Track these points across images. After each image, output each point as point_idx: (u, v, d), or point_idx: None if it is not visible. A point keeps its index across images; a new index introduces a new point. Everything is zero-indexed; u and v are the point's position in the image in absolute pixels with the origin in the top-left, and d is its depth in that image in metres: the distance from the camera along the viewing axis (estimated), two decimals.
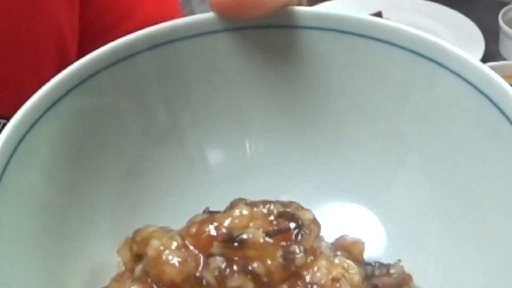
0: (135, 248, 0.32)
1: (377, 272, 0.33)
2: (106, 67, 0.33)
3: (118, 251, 0.33)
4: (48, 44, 0.43)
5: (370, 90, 0.34)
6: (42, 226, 0.32)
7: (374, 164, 0.36)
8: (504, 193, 0.31)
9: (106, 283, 0.33)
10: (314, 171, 0.36)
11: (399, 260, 0.33)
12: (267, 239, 0.31)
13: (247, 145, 0.37)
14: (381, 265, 0.33)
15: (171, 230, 0.32)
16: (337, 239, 0.33)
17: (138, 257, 0.33)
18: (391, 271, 0.33)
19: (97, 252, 0.34)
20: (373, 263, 0.34)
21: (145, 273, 0.32)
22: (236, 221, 0.31)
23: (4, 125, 0.45)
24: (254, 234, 0.30)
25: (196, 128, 0.36)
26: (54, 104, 0.32)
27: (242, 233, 0.30)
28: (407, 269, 0.34)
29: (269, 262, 0.30)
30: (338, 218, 0.36)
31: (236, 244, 0.30)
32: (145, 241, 0.32)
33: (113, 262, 0.34)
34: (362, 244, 0.33)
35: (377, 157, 0.35)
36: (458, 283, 0.33)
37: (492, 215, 0.32)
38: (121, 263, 0.34)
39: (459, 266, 0.33)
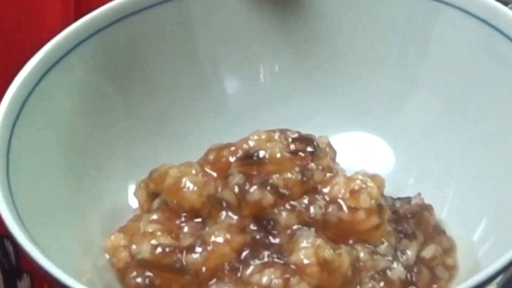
0: (151, 186, 0.33)
1: (398, 204, 0.33)
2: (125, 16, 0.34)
3: (134, 193, 0.34)
4: (40, 41, 0.43)
5: (377, 27, 0.36)
6: (67, 155, 0.33)
7: (384, 94, 0.36)
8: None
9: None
10: (326, 102, 0.37)
11: (419, 193, 0.34)
12: (284, 153, 0.31)
13: (262, 75, 0.37)
14: (401, 198, 0.34)
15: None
16: (356, 173, 0.33)
17: (154, 196, 0.33)
18: (412, 202, 0.33)
19: (116, 196, 0.34)
20: (393, 197, 0.34)
21: (163, 204, 0.32)
22: (254, 144, 0.31)
23: None
24: (272, 149, 0.31)
25: (213, 58, 0.36)
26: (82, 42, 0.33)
27: (260, 150, 0.31)
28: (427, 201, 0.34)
29: (287, 175, 0.31)
30: (353, 149, 0.36)
31: (254, 160, 0.31)
32: (163, 176, 0.32)
33: (133, 206, 0.34)
34: (382, 178, 0.33)
35: (387, 87, 0.36)
36: (476, 209, 0.33)
37: (508, 138, 0.32)
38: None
39: (476, 191, 0.33)
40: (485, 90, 0.34)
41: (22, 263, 0.45)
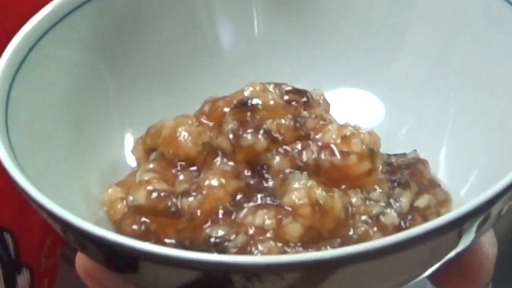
0: (148, 141, 0.33)
1: (393, 159, 0.34)
2: None
3: (132, 150, 0.34)
4: None
5: None
6: (65, 111, 0.33)
7: (374, 49, 0.37)
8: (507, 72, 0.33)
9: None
10: (318, 59, 0.38)
11: (415, 150, 0.34)
12: (278, 100, 0.32)
13: (256, 30, 0.38)
14: (397, 154, 0.34)
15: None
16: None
17: (151, 152, 0.33)
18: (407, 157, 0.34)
19: (115, 153, 0.35)
20: (389, 153, 0.34)
21: (160, 155, 0.33)
22: (248, 94, 0.32)
23: None
24: (265, 97, 0.31)
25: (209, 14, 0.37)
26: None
27: (254, 97, 0.31)
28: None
29: (280, 121, 0.31)
30: (346, 105, 0.36)
31: (248, 106, 0.31)
32: (159, 131, 0.33)
33: (132, 165, 0.35)
34: (377, 135, 0.33)
35: (377, 43, 0.37)
36: (470, 162, 0.33)
37: (500, 90, 0.33)
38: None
39: (470, 144, 0.33)
40: (475, 44, 0.34)
41: (22, 257, 0.45)
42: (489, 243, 0.32)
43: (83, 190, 0.32)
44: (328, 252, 0.24)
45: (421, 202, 0.32)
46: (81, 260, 0.30)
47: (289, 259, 0.24)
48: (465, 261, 0.31)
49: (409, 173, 0.33)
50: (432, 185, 0.33)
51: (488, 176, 0.32)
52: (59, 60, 0.34)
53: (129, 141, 0.35)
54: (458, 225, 0.25)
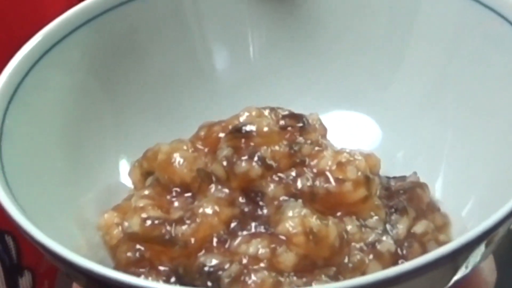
0: (145, 165, 0.33)
1: (392, 182, 0.33)
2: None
3: (128, 173, 0.34)
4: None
5: (364, 7, 0.36)
6: (61, 135, 0.33)
7: (371, 72, 0.36)
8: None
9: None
10: (314, 82, 0.37)
11: (415, 173, 0.34)
12: (273, 127, 0.31)
13: (252, 54, 0.38)
14: (397, 177, 0.34)
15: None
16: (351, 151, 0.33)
17: (148, 175, 0.33)
18: (407, 180, 0.33)
19: (111, 176, 0.35)
20: (389, 176, 0.34)
21: (155, 181, 0.32)
22: (244, 119, 0.32)
23: None
24: (260, 123, 0.31)
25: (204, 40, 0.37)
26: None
27: (248, 124, 0.31)
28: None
29: (275, 148, 0.31)
30: (343, 128, 0.36)
31: (242, 133, 0.31)
32: (156, 154, 0.33)
33: (128, 186, 0.35)
34: (377, 157, 0.33)
35: (374, 66, 0.37)
36: (468, 185, 0.33)
37: (499, 112, 0.32)
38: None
39: (469, 165, 0.33)
40: (474, 67, 0.34)
41: (23, 260, 0.46)
42: (489, 270, 0.31)
43: (78, 215, 0.32)
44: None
45: (419, 228, 0.31)
46: None
47: None
48: None
49: (407, 198, 0.32)
50: (431, 209, 0.33)
51: (488, 197, 0.32)
52: (53, 85, 0.34)
53: (125, 165, 0.35)
54: (455, 257, 0.25)
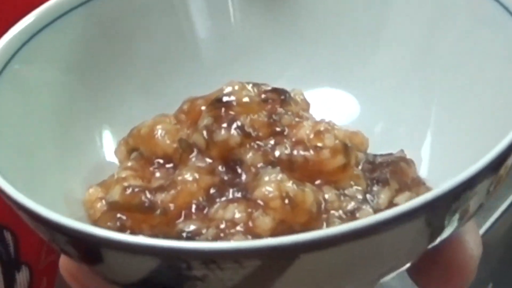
0: (131, 142, 0.34)
1: (379, 159, 0.33)
2: None
3: (115, 151, 0.34)
4: None
5: None
6: (51, 112, 0.34)
7: (352, 48, 0.37)
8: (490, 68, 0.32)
9: None
10: (296, 58, 0.38)
11: (402, 150, 0.34)
12: (253, 97, 0.32)
13: (235, 29, 0.38)
14: (383, 154, 0.34)
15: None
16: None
17: (133, 152, 0.34)
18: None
19: (99, 155, 0.35)
20: (375, 154, 0.34)
21: (139, 154, 0.33)
22: (226, 92, 0.32)
23: None
24: (240, 93, 0.32)
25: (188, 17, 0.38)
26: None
27: (229, 94, 0.32)
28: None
29: (254, 117, 0.31)
30: (326, 105, 0.36)
31: (222, 103, 0.31)
32: (140, 131, 0.33)
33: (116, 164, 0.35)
34: (365, 136, 0.33)
35: (354, 42, 0.37)
36: (453, 160, 0.33)
37: (483, 87, 0.32)
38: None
39: (453, 142, 0.33)
40: (455, 42, 0.34)
41: (21, 255, 0.46)
42: (474, 243, 0.31)
43: (64, 192, 0.33)
44: (287, 238, 0.24)
45: (400, 199, 0.31)
46: (63, 261, 0.31)
47: (246, 245, 0.24)
48: (448, 261, 0.31)
49: (390, 170, 0.32)
50: (416, 183, 0.33)
51: None
52: (42, 65, 0.34)
53: (112, 143, 0.35)
54: (425, 211, 0.25)
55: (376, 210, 0.31)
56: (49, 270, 0.50)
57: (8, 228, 0.45)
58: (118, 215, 0.31)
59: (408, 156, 0.34)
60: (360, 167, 0.32)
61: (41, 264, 0.48)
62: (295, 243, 0.24)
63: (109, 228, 0.31)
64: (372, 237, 0.24)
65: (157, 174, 0.32)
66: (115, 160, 0.35)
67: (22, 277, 0.47)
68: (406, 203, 0.24)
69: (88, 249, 0.26)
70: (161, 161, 0.32)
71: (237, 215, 0.29)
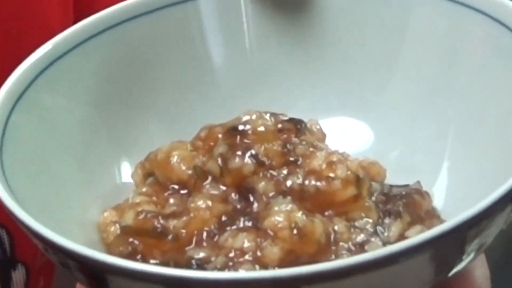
0: (147, 166, 0.34)
1: (394, 190, 0.33)
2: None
3: (131, 175, 0.35)
4: (40, 44, 0.45)
5: (359, 19, 0.37)
6: (70, 135, 0.34)
7: (367, 78, 0.37)
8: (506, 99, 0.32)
9: None
10: (312, 86, 0.38)
11: (418, 182, 0.33)
12: (269, 126, 0.32)
13: (251, 58, 0.38)
14: (400, 186, 0.34)
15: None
16: (356, 159, 0.33)
17: (150, 176, 0.34)
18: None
19: (116, 178, 0.36)
20: (392, 184, 0.34)
21: (154, 179, 0.33)
22: (243, 121, 0.32)
23: None
24: (256, 122, 0.32)
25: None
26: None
27: (246, 123, 0.32)
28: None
29: (268, 145, 0.31)
30: (342, 135, 0.36)
31: (238, 131, 0.32)
32: (157, 155, 0.34)
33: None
34: (382, 166, 0.33)
35: (369, 72, 0.37)
36: (469, 190, 0.32)
37: (499, 117, 0.32)
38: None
39: (470, 173, 0.33)
40: (471, 71, 0.34)
41: (17, 254, 0.46)
42: (483, 277, 0.31)
43: (79, 215, 0.33)
44: (290, 270, 0.24)
45: (411, 232, 0.31)
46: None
47: (249, 276, 0.24)
48: None
49: (403, 203, 0.32)
50: (429, 216, 0.33)
51: None
52: (61, 91, 0.35)
53: (129, 167, 0.36)
54: (426, 247, 0.25)
55: (385, 243, 0.31)
56: (46, 270, 0.50)
57: (3, 226, 0.46)
58: (130, 239, 0.31)
59: (424, 187, 0.34)
60: (374, 198, 0.32)
61: (38, 263, 0.48)
62: (297, 275, 0.24)
63: (121, 252, 0.31)
64: (375, 271, 0.24)
65: (171, 200, 0.32)
66: (130, 183, 0.35)
67: (18, 276, 0.47)
68: (410, 239, 0.24)
69: (95, 275, 0.26)
70: (175, 187, 0.32)
71: (246, 244, 0.29)
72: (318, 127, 0.34)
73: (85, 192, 0.34)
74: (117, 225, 0.32)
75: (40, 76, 0.34)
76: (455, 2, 0.34)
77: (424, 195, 0.33)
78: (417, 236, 0.24)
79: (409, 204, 0.32)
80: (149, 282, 0.25)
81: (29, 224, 0.27)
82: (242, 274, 0.25)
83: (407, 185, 0.34)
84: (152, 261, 0.30)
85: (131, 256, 0.31)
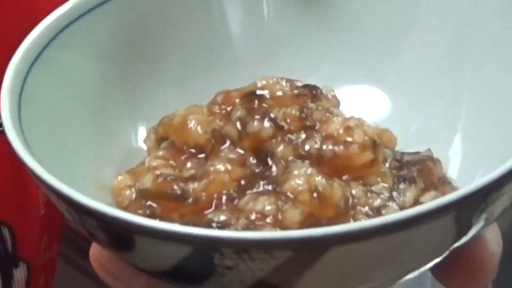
0: (161, 130, 0.34)
1: (405, 157, 0.34)
2: None
3: (144, 140, 0.35)
4: None
5: None
6: (81, 102, 0.35)
7: (382, 45, 0.37)
8: None
9: None
10: (328, 55, 0.38)
11: (429, 149, 0.34)
12: (286, 91, 0.32)
13: (268, 23, 0.39)
14: (411, 152, 0.34)
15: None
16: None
17: (163, 141, 0.34)
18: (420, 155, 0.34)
19: (129, 142, 0.36)
20: (403, 151, 0.34)
21: (170, 143, 0.33)
22: (260, 85, 0.33)
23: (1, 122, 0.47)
24: (274, 87, 0.32)
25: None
26: None
27: (263, 88, 0.32)
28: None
29: (286, 110, 0.32)
30: (359, 103, 0.37)
31: (256, 95, 0.32)
32: (172, 120, 0.34)
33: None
34: (393, 134, 0.34)
35: (385, 39, 0.37)
36: (482, 159, 0.33)
37: (510, 89, 0.33)
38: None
39: (482, 140, 0.33)
40: (486, 40, 0.34)
41: (19, 251, 0.46)
42: (494, 242, 0.32)
43: (94, 177, 0.33)
44: (319, 230, 0.25)
45: (426, 198, 0.32)
46: (94, 250, 0.31)
47: (279, 235, 0.25)
48: (469, 258, 0.31)
49: (417, 169, 0.33)
50: (442, 182, 0.33)
51: None
52: (76, 54, 0.35)
53: (142, 132, 0.36)
54: (454, 208, 0.25)
55: (401, 208, 0.31)
56: (47, 268, 0.50)
57: (5, 223, 0.46)
58: (148, 203, 0.31)
59: (435, 155, 0.34)
60: (387, 165, 0.32)
61: (39, 261, 0.49)
62: (327, 235, 0.24)
63: (139, 215, 0.31)
64: (403, 232, 0.25)
65: (188, 164, 0.32)
66: (143, 148, 0.35)
67: (19, 273, 0.47)
68: (437, 200, 0.25)
69: (121, 235, 0.27)
70: (192, 150, 0.33)
71: (267, 208, 0.30)
72: (332, 93, 0.34)
73: (98, 155, 0.35)
74: (133, 189, 0.32)
75: (57, 37, 0.34)
76: None
77: (436, 162, 0.34)
78: (443, 197, 0.25)
79: (422, 170, 0.33)
80: (179, 242, 0.25)
81: (57, 188, 0.27)
82: (272, 233, 0.25)
83: (418, 152, 0.34)
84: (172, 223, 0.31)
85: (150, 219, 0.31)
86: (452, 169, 0.35)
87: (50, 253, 0.50)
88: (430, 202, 0.25)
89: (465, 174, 0.34)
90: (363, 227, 0.24)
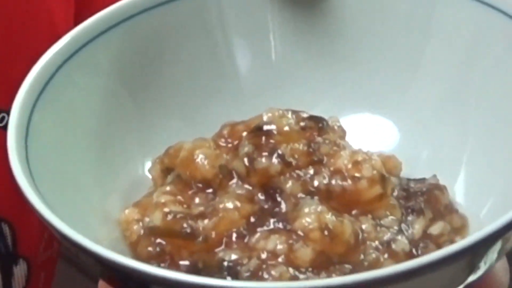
0: (166, 161, 0.34)
1: (412, 184, 0.34)
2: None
3: (149, 170, 0.35)
4: (42, 39, 0.43)
5: (383, 14, 0.37)
6: (88, 133, 0.34)
7: (390, 76, 0.37)
8: None
9: None
10: (334, 85, 0.38)
11: (435, 175, 0.34)
12: (293, 126, 0.32)
13: (273, 56, 0.39)
14: (416, 179, 0.34)
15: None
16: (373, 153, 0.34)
17: (168, 172, 0.34)
18: (426, 183, 0.34)
19: (134, 173, 0.36)
20: (409, 178, 0.34)
21: (177, 177, 0.33)
22: (266, 119, 0.33)
23: (2, 117, 0.47)
24: (281, 122, 0.32)
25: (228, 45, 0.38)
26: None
27: (270, 123, 0.32)
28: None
29: (294, 146, 0.32)
30: (364, 132, 0.37)
31: (263, 131, 0.32)
32: (177, 151, 0.34)
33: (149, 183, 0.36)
34: (398, 160, 0.34)
35: (393, 70, 0.37)
36: (489, 186, 0.33)
37: None
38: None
39: (489, 167, 0.33)
40: (494, 72, 0.34)
41: (19, 249, 0.46)
42: (502, 270, 0.32)
43: (100, 210, 0.33)
44: (336, 279, 0.25)
45: (435, 229, 0.32)
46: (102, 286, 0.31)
47: (295, 286, 0.25)
48: None
49: (424, 199, 0.33)
50: (448, 211, 0.33)
51: (508, 200, 0.32)
52: (81, 85, 0.35)
53: (148, 161, 0.36)
54: (471, 252, 0.25)
55: (411, 241, 0.31)
56: (47, 266, 0.50)
57: (6, 221, 0.46)
58: (158, 240, 0.31)
59: (441, 179, 0.34)
60: (395, 194, 0.33)
61: (39, 259, 0.49)
62: (344, 285, 0.24)
63: (149, 253, 0.31)
64: (418, 278, 0.25)
65: (197, 200, 0.32)
66: (148, 177, 0.35)
67: (19, 271, 0.47)
68: (451, 246, 0.25)
69: (136, 285, 0.27)
70: (200, 185, 0.33)
71: (279, 247, 0.30)
72: (338, 124, 0.34)
73: (104, 187, 0.34)
74: (140, 224, 0.32)
75: (58, 72, 0.34)
76: (479, 1, 0.34)
77: (443, 189, 0.34)
78: (458, 243, 0.25)
79: (430, 200, 0.33)
80: None
81: (64, 233, 0.27)
82: (288, 284, 0.25)
83: (424, 179, 0.34)
84: (181, 262, 0.31)
85: (159, 257, 0.31)
86: (459, 194, 0.35)
87: (50, 251, 0.50)
88: (446, 249, 0.25)
89: (471, 198, 0.34)
90: (378, 276, 0.24)
